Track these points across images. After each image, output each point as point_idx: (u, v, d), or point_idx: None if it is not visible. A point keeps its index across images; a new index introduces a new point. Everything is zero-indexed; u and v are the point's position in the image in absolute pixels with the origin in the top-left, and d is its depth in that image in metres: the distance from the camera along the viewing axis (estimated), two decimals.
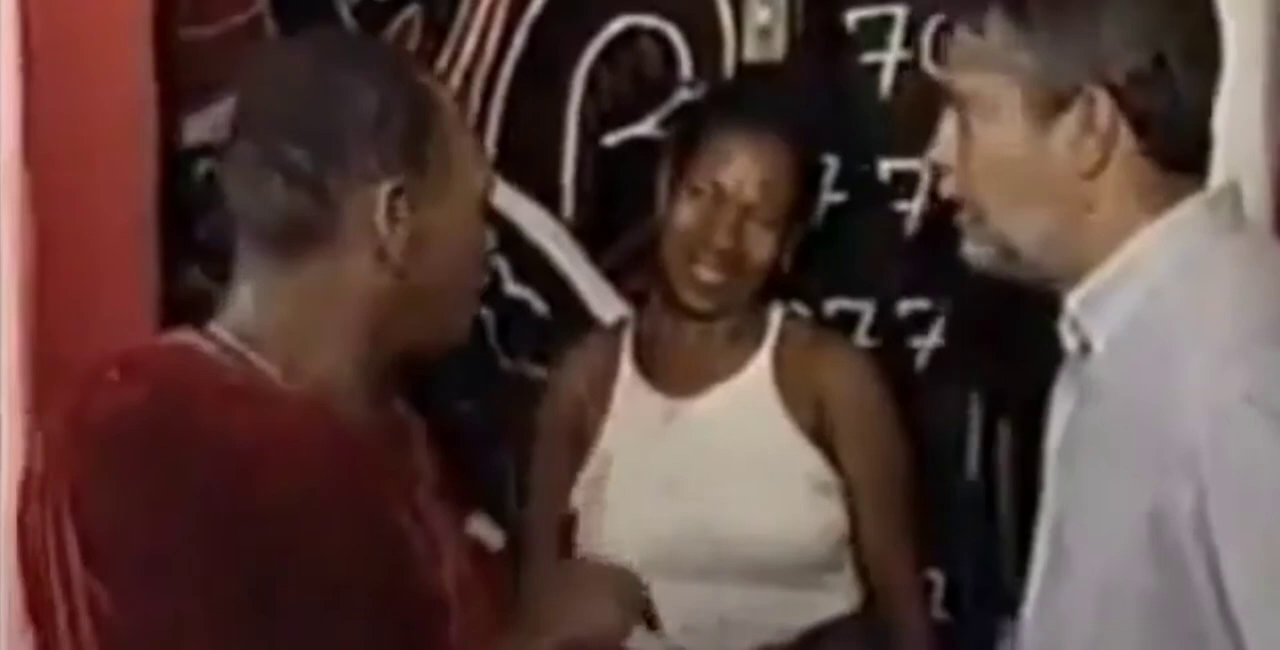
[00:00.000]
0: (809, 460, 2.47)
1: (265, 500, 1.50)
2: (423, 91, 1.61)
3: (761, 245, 2.45)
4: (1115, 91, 1.61)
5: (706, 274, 2.44)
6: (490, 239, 1.70)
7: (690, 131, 2.51)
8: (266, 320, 1.60)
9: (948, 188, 1.72)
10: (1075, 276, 1.66)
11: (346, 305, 1.60)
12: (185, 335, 1.62)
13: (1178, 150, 1.66)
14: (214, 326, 1.62)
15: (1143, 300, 1.62)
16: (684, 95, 2.83)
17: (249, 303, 1.61)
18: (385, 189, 1.56)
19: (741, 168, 2.43)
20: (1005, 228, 1.67)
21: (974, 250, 1.71)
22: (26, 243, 2.86)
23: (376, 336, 1.61)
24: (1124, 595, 1.57)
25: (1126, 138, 1.63)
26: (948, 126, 1.70)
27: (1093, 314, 1.65)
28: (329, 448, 1.59)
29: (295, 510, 1.52)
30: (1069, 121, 1.63)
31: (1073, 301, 1.66)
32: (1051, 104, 1.63)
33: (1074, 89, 1.62)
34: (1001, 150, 1.66)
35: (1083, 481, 1.65)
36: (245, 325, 1.60)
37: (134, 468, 1.47)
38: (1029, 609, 1.73)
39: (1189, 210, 1.64)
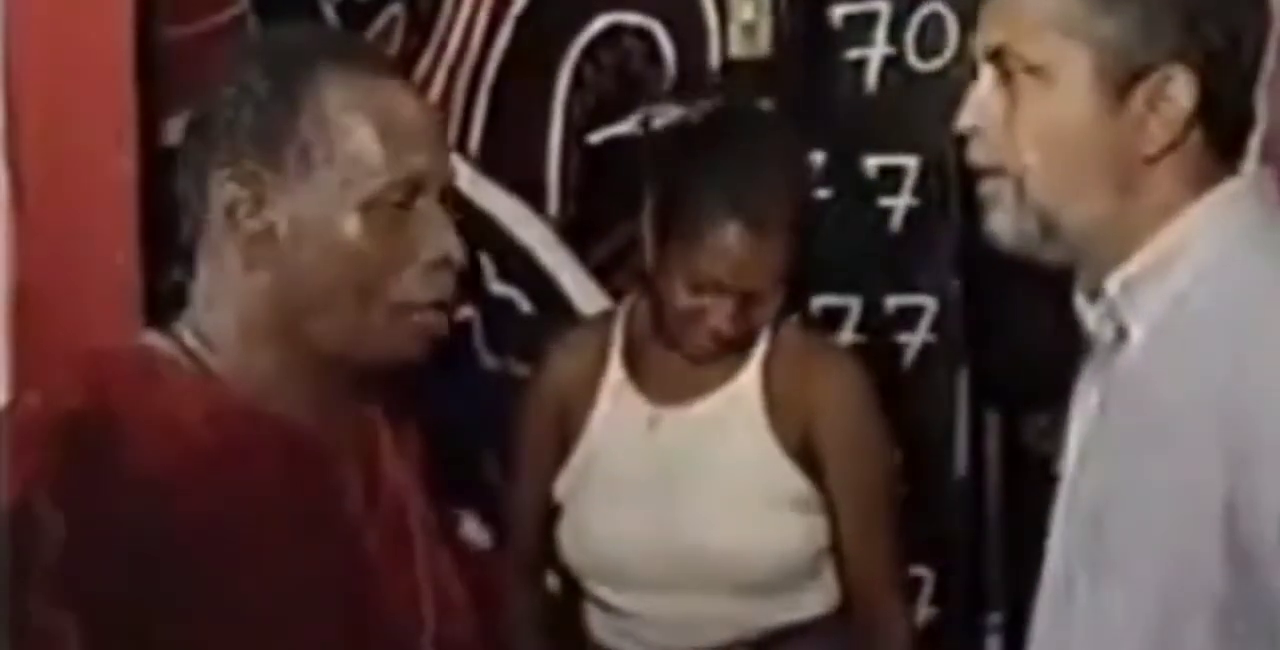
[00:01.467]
0: (789, 476, 2.43)
1: (204, 506, 1.50)
2: (303, 92, 1.57)
3: (763, 313, 2.41)
4: (1194, 71, 1.51)
5: (708, 343, 2.40)
6: (431, 250, 1.58)
7: (675, 200, 2.38)
8: (213, 318, 1.61)
9: (978, 154, 1.58)
10: (1113, 260, 1.55)
11: (242, 299, 1.59)
12: (151, 337, 1.63)
13: (1229, 135, 1.57)
14: (178, 326, 1.62)
15: (1189, 285, 1.52)
16: (660, 115, 2.80)
17: (201, 300, 1.62)
18: (221, 176, 1.57)
19: (742, 261, 2.34)
20: (1051, 201, 1.54)
21: (1004, 225, 1.57)
22: (9, 244, 2.85)
23: (293, 338, 1.59)
24: (1190, 596, 1.46)
25: (1194, 123, 1.53)
26: (984, 88, 1.57)
27: (1133, 300, 1.54)
28: (274, 453, 1.58)
29: (237, 516, 1.52)
30: (1138, 98, 1.52)
31: (1113, 285, 1.55)
32: (1125, 78, 1.52)
33: (1149, 65, 1.51)
34: (1060, 119, 1.54)
35: (1126, 477, 1.53)
36: (200, 324, 1.61)
37: (43, 481, 1.47)
38: (1043, 616, 1.61)
39: (1231, 192, 1.56)
